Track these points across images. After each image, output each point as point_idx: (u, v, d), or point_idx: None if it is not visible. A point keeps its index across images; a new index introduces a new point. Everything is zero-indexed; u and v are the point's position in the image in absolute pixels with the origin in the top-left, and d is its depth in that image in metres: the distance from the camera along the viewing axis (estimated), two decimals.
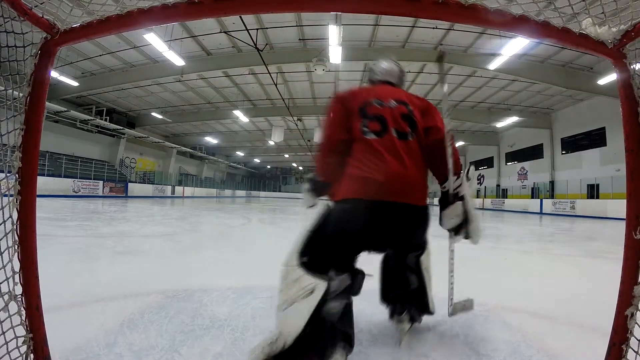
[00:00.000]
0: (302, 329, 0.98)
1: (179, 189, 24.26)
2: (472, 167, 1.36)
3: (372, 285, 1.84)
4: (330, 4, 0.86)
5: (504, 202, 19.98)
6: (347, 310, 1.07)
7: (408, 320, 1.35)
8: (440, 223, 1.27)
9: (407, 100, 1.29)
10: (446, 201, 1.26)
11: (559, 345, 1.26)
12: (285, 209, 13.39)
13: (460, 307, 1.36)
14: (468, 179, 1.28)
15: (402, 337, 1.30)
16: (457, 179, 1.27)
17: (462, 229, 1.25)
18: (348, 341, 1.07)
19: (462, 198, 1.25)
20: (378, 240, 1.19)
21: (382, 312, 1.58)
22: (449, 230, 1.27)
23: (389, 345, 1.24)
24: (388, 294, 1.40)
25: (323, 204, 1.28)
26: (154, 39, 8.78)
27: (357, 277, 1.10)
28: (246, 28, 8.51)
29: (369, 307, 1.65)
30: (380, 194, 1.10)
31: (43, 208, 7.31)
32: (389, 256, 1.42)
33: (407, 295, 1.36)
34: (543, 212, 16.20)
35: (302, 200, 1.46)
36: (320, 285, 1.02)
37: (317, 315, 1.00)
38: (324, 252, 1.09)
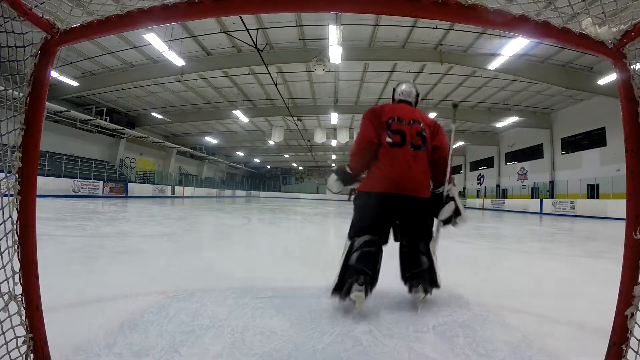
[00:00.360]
0: (338, 274, 1.62)
1: (179, 189, 24.26)
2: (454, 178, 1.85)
3: (375, 288, 1.84)
4: (330, 4, 0.86)
5: (504, 202, 19.99)
6: (368, 257, 1.60)
7: (422, 291, 1.66)
8: (437, 216, 1.77)
9: (421, 119, 1.77)
10: (440, 200, 1.74)
11: (559, 345, 1.26)
12: (285, 209, 13.40)
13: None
14: (454, 184, 1.78)
15: (420, 305, 1.67)
16: (449, 184, 1.76)
17: (451, 220, 1.76)
18: (366, 278, 1.55)
19: (452, 198, 1.74)
20: (390, 217, 1.71)
21: (382, 313, 1.58)
22: (441, 221, 1.78)
23: (389, 345, 1.24)
24: (406, 273, 1.74)
25: (348, 191, 1.83)
26: (154, 39, 8.78)
27: (381, 237, 1.67)
28: (246, 28, 8.51)
29: (369, 307, 1.65)
30: (392, 188, 1.63)
31: (43, 208, 7.31)
32: (405, 244, 1.76)
33: (420, 273, 1.69)
34: (543, 212, 16.21)
35: (328, 186, 1.87)
36: (347, 244, 1.67)
37: (346, 263, 1.62)
38: (355, 225, 1.70)
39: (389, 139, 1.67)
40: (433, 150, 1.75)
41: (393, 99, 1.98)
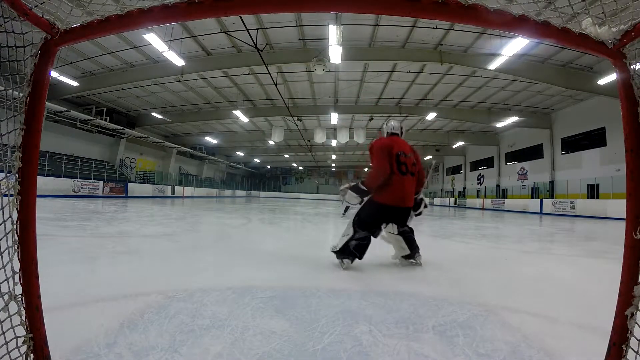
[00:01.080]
0: (341, 246, 2.54)
1: (179, 189, 24.27)
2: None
3: (375, 288, 1.84)
4: (330, 4, 0.86)
5: (504, 202, 19.99)
6: (361, 247, 2.50)
7: (419, 256, 2.72)
8: (413, 210, 2.74)
9: (411, 152, 2.66)
10: (416, 202, 2.73)
11: (559, 345, 1.26)
12: (285, 209, 13.40)
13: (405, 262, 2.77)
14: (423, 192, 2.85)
15: (420, 262, 2.71)
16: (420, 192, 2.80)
17: (418, 212, 2.81)
18: (354, 258, 2.51)
19: (422, 199, 2.82)
20: (389, 220, 2.63)
21: (382, 313, 1.58)
22: (415, 213, 2.79)
23: (389, 345, 1.24)
24: (410, 250, 2.69)
25: (359, 200, 2.59)
26: (154, 39, 8.78)
27: (375, 233, 2.58)
28: (246, 28, 8.51)
29: (369, 307, 1.65)
30: (398, 203, 2.53)
31: (43, 208, 7.31)
32: (403, 231, 2.73)
33: (416, 247, 2.73)
34: (543, 212, 16.21)
35: (344, 199, 2.66)
36: (351, 230, 2.55)
37: (347, 243, 2.51)
38: (363, 221, 2.55)
39: (398, 169, 2.49)
40: (418, 172, 2.70)
41: (385, 132, 2.80)
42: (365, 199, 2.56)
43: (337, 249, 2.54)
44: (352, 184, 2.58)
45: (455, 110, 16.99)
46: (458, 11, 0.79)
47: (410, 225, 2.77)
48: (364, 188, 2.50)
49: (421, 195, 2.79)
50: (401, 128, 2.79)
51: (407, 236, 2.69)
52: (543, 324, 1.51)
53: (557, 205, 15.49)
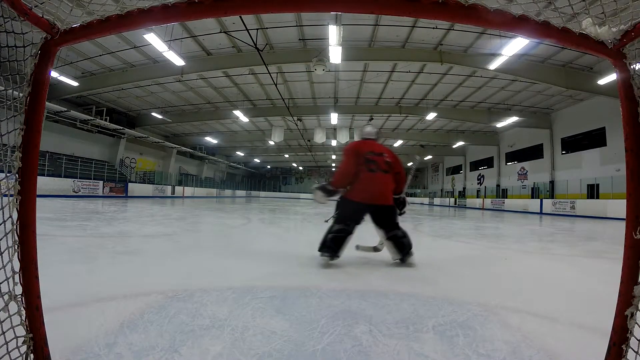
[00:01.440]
0: (321, 240, 2.66)
1: (179, 189, 24.27)
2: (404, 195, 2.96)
3: (375, 288, 1.84)
4: (330, 4, 0.86)
5: (504, 202, 19.99)
6: (338, 239, 2.59)
7: (411, 257, 2.70)
8: (399, 209, 2.86)
9: (386, 152, 2.78)
10: (399, 201, 2.84)
11: (559, 345, 1.26)
12: (285, 209, 13.40)
13: (366, 248, 2.95)
14: (405, 191, 2.94)
15: (413, 264, 2.66)
16: (402, 192, 2.89)
17: (402, 210, 2.90)
18: (330, 252, 2.57)
19: (405, 199, 2.91)
20: (361, 217, 2.68)
21: (382, 313, 1.58)
22: (399, 212, 2.87)
23: (389, 345, 1.24)
24: (400, 253, 2.67)
25: (327, 199, 2.71)
26: (154, 39, 8.78)
27: (350, 227, 2.64)
28: (246, 28, 8.51)
29: (369, 307, 1.65)
30: (367, 200, 2.62)
31: (43, 208, 7.31)
32: (392, 237, 2.68)
33: (407, 248, 2.69)
34: (543, 212, 16.21)
35: (314, 198, 2.78)
36: (332, 223, 2.71)
37: (326, 237, 2.64)
38: (338, 216, 2.68)
39: (369, 168, 2.61)
40: (396, 174, 2.77)
41: (362, 137, 2.93)
42: (335, 197, 2.73)
43: (320, 245, 2.62)
44: (322, 183, 2.70)
45: (455, 110, 17.00)
46: (458, 11, 0.79)
47: (402, 230, 2.72)
48: (331, 188, 2.66)
49: (403, 195, 2.87)
50: (377, 133, 2.96)
51: (398, 241, 2.66)
52: (543, 324, 1.51)
53: (557, 205, 15.49)
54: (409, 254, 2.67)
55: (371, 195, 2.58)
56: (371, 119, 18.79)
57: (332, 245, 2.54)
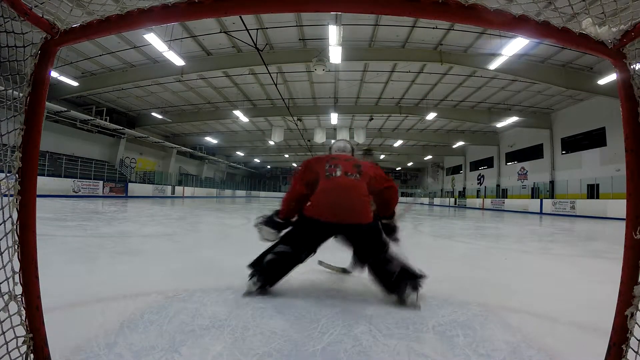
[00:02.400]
0: (256, 257, 1.89)
1: (179, 189, 24.26)
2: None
3: (375, 288, 1.83)
4: (330, 4, 0.86)
5: (504, 202, 19.99)
6: (277, 263, 1.81)
7: (412, 290, 1.70)
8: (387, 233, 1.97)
9: (362, 163, 1.94)
10: (388, 228, 1.99)
11: (559, 345, 1.26)
12: None
13: (332, 268, 2.36)
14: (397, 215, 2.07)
15: (417, 303, 1.68)
16: (393, 216, 2.03)
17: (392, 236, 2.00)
18: (265, 280, 1.81)
19: (395, 226, 2.03)
20: (321, 240, 1.89)
21: (382, 313, 1.58)
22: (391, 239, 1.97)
23: (389, 345, 1.24)
24: (390, 288, 1.76)
25: (277, 236, 1.90)
26: (154, 39, 8.78)
27: (300, 255, 1.84)
28: (246, 28, 8.51)
29: (369, 307, 1.65)
30: (328, 215, 1.77)
31: (43, 208, 7.31)
32: (371, 264, 1.83)
33: (399, 278, 1.73)
34: (543, 212, 16.21)
35: (266, 238, 1.92)
36: (273, 243, 1.89)
37: (263, 255, 1.87)
38: (288, 234, 1.89)
39: (327, 173, 1.85)
40: (385, 189, 1.92)
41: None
42: (285, 231, 1.91)
43: (252, 262, 1.87)
44: (267, 215, 1.94)
45: (455, 110, 16.99)
46: (458, 11, 0.79)
47: (389, 253, 1.82)
48: (278, 219, 1.88)
49: (393, 222, 2.03)
50: (352, 149, 2.20)
51: (380, 270, 1.78)
52: (543, 324, 1.51)
53: (557, 206, 15.49)
54: (409, 287, 1.70)
55: (331, 208, 1.74)
56: (371, 119, 18.80)
57: (266, 270, 1.80)
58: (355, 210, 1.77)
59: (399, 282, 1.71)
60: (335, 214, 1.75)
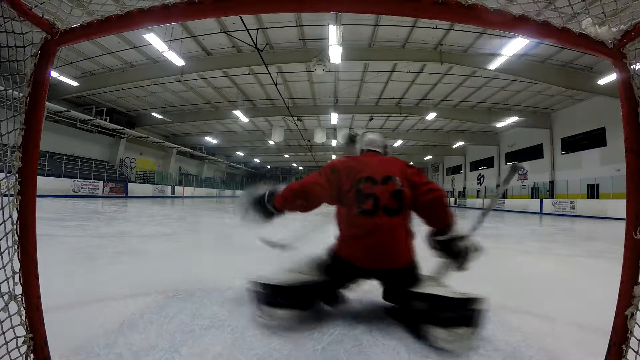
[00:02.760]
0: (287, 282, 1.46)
1: (179, 189, 24.27)
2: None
3: (375, 288, 1.83)
4: (330, 4, 0.86)
5: (504, 202, 19.98)
6: (306, 291, 1.46)
7: (466, 329, 1.25)
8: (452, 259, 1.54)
9: (397, 172, 1.51)
10: (452, 248, 1.50)
11: (559, 345, 1.26)
12: None
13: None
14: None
15: (470, 341, 1.25)
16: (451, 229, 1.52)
17: (461, 264, 1.54)
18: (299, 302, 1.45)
19: (458, 240, 1.51)
20: (351, 283, 1.54)
21: (382, 313, 1.58)
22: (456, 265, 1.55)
23: (389, 345, 1.24)
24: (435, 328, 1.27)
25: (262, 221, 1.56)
26: (154, 39, 8.78)
27: (332, 285, 1.51)
28: (246, 28, 8.51)
29: (369, 307, 1.65)
30: (363, 260, 1.43)
31: (43, 208, 7.31)
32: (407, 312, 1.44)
33: (432, 316, 1.29)
34: (543, 212, 16.21)
35: (237, 205, 1.61)
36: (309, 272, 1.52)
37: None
38: (321, 265, 1.53)
39: (360, 205, 1.42)
40: (427, 192, 1.47)
41: (359, 150, 1.77)
42: (272, 219, 1.56)
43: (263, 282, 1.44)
44: (259, 194, 1.54)
45: (455, 110, 16.99)
46: (458, 11, 0.79)
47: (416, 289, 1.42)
48: (271, 208, 1.50)
49: (454, 233, 1.50)
50: (385, 145, 1.77)
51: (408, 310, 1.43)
52: (543, 324, 1.51)
53: (557, 205, 15.49)
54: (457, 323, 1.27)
55: (367, 254, 1.41)
56: (371, 119, 18.78)
57: (293, 295, 1.42)
58: (396, 255, 1.43)
59: (444, 322, 1.27)
60: (371, 260, 1.42)
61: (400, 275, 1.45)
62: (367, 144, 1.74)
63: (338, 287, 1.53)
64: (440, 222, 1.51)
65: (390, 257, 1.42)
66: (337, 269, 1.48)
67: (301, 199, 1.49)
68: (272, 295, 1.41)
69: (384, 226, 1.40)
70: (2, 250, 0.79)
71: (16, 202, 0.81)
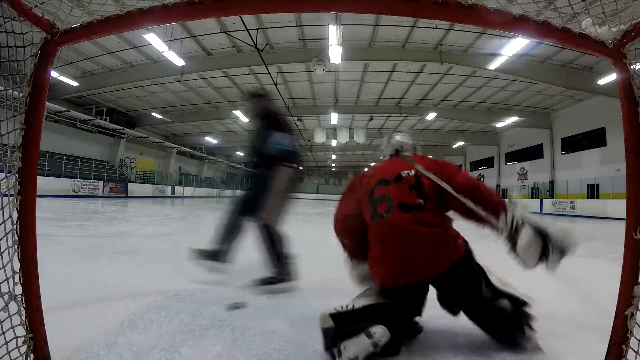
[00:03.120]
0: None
1: (179, 189, 24.26)
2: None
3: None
4: (330, 4, 0.86)
5: None
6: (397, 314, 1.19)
7: (530, 331, 1.22)
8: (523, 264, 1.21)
9: (420, 163, 1.33)
10: (510, 240, 1.22)
11: (559, 345, 1.26)
12: None
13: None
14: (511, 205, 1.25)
15: (538, 346, 1.21)
16: (506, 213, 1.22)
17: (547, 251, 1.13)
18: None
19: (521, 224, 1.17)
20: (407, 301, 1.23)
21: None
22: (541, 262, 1.16)
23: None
24: (499, 335, 1.23)
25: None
26: (154, 39, 8.78)
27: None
28: (246, 28, 8.51)
29: None
30: (397, 281, 1.19)
31: (43, 208, 7.31)
32: (469, 309, 1.27)
33: (512, 319, 1.22)
34: (543, 212, 16.20)
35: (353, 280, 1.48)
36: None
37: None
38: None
39: (371, 211, 1.27)
40: (454, 175, 1.28)
41: (388, 154, 1.58)
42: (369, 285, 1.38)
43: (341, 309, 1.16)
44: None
45: (455, 110, 16.99)
46: (458, 11, 0.79)
47: (489, 287, 1.28)
48: (351, 262, 1.46)
49: (507, 219, 1.21)
50: (414, 147, 1.64)
51: (485, 314, 1.24)
52: (543, 324, 1.51)
53: (557, 206, 15.49)
54: (525, 325, 1.23)
55: (396, 268, 1.19)
56: (371, 119, 18.78)
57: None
58: (432, 257, 1.16)
59: (514, 324, 1.19)
60: (403, 274, 1.17)
61: (447, 278, 1.18)
62: (393, 147, 1.55)
63: (404, 316, 1.22)
64: (486, 207, 1.23)
65: (424, 261, 1.16)
66: (384, 298, 1.21)
67: (347, 239, 1.41)
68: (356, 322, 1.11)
69: (403, 226, 1.17)
70: (2, 250, 0.79)
71: (16, 202, 0.81)
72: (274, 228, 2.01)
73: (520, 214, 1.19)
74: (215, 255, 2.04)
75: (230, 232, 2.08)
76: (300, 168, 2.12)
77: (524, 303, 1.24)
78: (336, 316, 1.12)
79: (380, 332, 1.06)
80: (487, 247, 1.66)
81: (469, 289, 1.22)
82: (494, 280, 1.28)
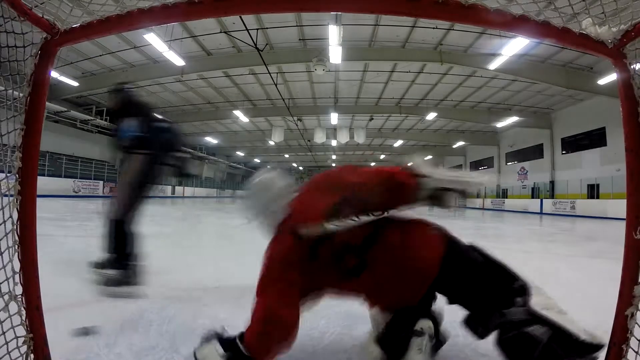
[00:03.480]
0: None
1: (179, 189, 24.26)
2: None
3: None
4: (330, 4, 0.86)
5: (504, 202, 19.98)
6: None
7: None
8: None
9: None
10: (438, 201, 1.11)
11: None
12: None
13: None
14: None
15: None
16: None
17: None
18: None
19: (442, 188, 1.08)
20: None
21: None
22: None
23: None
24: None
25: None
26: (154, 39, 8.78)
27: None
28: (246, 28, 8.51)
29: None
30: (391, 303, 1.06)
31: (43, 208, 7.30)
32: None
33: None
34: (543, 212, 16.20)
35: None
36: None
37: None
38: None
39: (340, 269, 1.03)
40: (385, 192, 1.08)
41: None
42: None
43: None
44: None
45: (455, 110, 16.99)
46: (458, 11, 0.79)
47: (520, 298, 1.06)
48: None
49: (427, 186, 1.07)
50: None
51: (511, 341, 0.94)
52: None
53: (557, 205, 15.48)
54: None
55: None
56: (371, 119, 18.79)
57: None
58: (418, 279, 1.03)
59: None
60: (393, 300, 1.04)
61: (442, 284, 1.04)
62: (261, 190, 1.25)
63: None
64: (406, 198, 1.09)
65: (412, 286, 1.01)
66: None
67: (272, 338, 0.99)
68: None
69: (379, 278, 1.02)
70: (2, 250, 0.79)
71: (16, 202, 0.81)
72: (125, 224, 1.82)
73: (434, 185, 1.08)
74: (110, 264, 1.81)
75: (117, 238, 1.87)
76: (166, 153, 1.83)
77: (584, 345, 0.82)
78: (379, 340, 1.01)
79: (425, 324, 0.99)
80: (486, 247, 1.65)
81: (480, 288, 1.08)
82: (534, 301, 1.04)
